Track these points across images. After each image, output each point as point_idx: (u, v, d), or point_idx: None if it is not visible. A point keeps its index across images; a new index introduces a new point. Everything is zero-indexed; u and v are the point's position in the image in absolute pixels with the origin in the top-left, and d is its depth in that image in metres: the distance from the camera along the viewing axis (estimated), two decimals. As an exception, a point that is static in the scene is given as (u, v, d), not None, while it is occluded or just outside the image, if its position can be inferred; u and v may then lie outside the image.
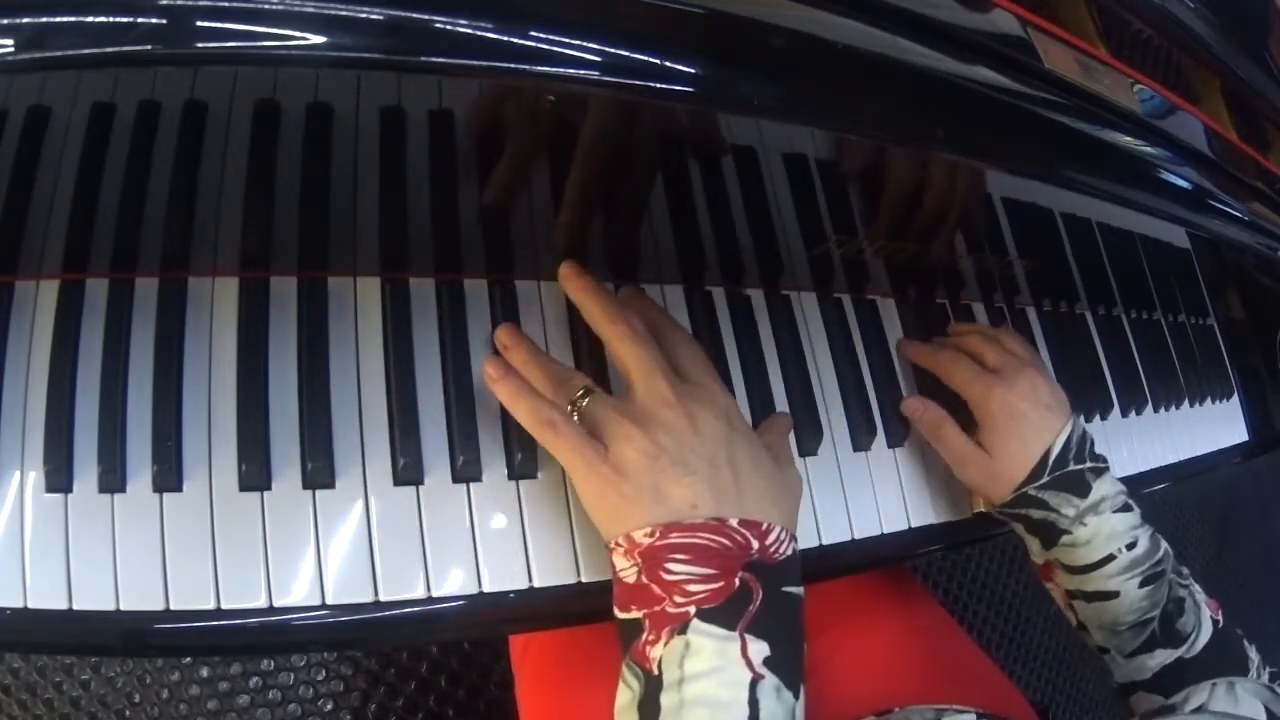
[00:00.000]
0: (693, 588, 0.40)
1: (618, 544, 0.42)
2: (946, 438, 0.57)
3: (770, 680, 0.39)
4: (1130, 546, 0.53)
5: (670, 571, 0.40)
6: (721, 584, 0.40)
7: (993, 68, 0.44)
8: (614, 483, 0.42)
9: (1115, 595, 0.54)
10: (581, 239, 0.49)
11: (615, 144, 0.43)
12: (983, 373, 0.57)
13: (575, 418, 0.44)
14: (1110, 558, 0.53)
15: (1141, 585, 0.54)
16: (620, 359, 0.45)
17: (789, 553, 0.43)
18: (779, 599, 0.41)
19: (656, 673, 0.39)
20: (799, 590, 0.43)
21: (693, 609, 0.40)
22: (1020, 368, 0.57)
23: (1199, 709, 0.49)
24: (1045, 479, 0.54)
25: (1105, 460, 0.56)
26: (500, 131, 0.41)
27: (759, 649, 0.39)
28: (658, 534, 0.41)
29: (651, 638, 0.40)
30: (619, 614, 0.42)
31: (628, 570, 0.41)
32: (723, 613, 0.40)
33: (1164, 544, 0.56)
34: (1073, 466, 0.54)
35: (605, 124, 0.42)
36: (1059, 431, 0.55)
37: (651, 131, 0.44)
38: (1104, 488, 0.54)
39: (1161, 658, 0.55)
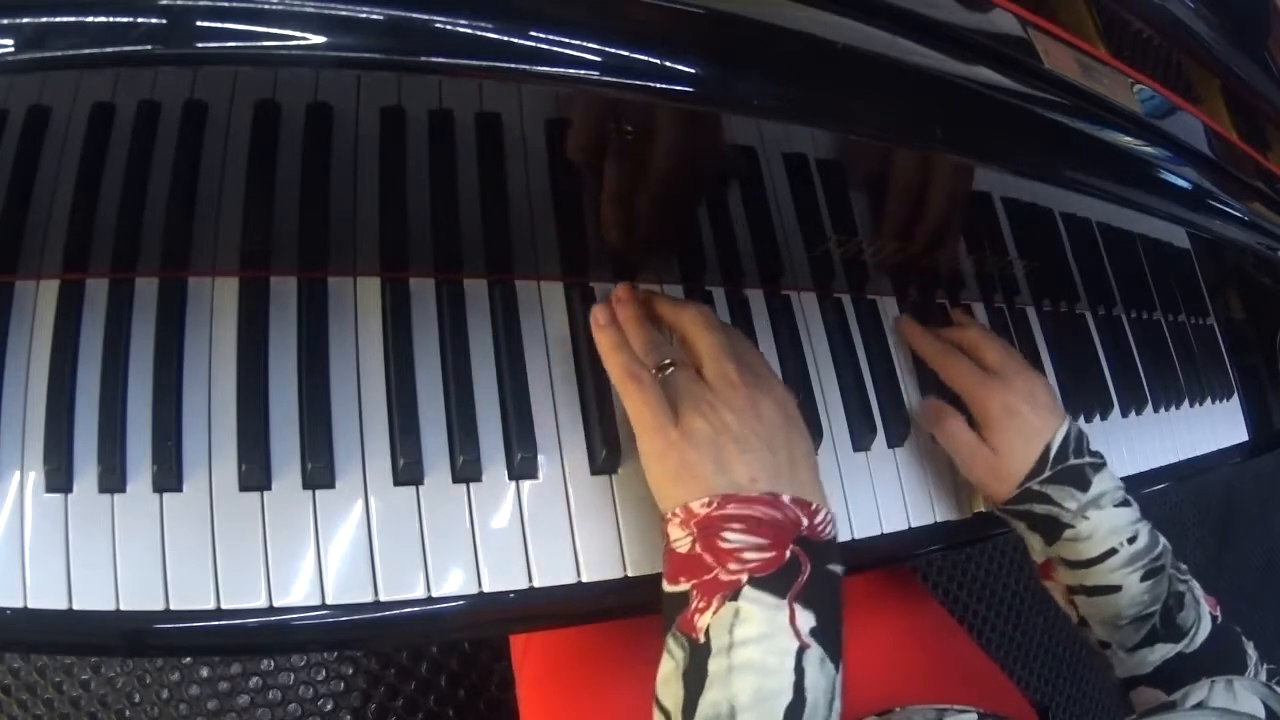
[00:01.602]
0: (747, 555, 0.41)
1: (674, 514, 0.43)
2: (957, 437, 0.58)
3: (815, 650, 0.40)
4: (1131, 540, 0.55)
5: (726, 540, 0.42)
6: (773, 554, 0.42)
7: (993, 68, 0.44)
8: (679, 448, 0.44)
9: (1117, 589, 0.55)
10: (599, 244, 0.50)
11: (685, 166, 0.45)
12: (983, 374, 0.59)
13: None
14: (1112, 551, 0.54)
15: (1143, 579, 0.54)
16: (693, 343, 0.48)
17: (833, 533, 0.45)
18: (824, 575, 0.43)
19: (704, 641, 0.40)
20: (840, 569, 0.44)
21: (745, 577, 0.41)
22: (1018, 370, 0.59)
23: (1198, 705, 0.49)
24: (1047, 473, 0.55)
25: (1102, 457, 0.57)
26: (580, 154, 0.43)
27: (806, 619, 0.41)
28: (716, 504, 0.42)
29: (701, 605, 0.41)
30: (667, 587, 0.43)
31: (681, 540, 0.43)
32: (774, 581, 0.41)
33: (1162, 539, 0.57)
34: (1073, 461, 0.55)
35: (676, 148, 0.43)
36: (1057, 429, 0.56)
37: (714, 148, 0.45)
38: (1104, 482, 0.55)
39: (1162, 651, 0.55)
